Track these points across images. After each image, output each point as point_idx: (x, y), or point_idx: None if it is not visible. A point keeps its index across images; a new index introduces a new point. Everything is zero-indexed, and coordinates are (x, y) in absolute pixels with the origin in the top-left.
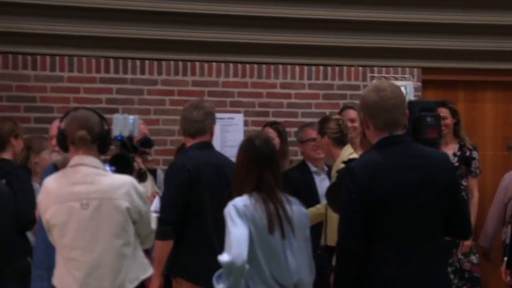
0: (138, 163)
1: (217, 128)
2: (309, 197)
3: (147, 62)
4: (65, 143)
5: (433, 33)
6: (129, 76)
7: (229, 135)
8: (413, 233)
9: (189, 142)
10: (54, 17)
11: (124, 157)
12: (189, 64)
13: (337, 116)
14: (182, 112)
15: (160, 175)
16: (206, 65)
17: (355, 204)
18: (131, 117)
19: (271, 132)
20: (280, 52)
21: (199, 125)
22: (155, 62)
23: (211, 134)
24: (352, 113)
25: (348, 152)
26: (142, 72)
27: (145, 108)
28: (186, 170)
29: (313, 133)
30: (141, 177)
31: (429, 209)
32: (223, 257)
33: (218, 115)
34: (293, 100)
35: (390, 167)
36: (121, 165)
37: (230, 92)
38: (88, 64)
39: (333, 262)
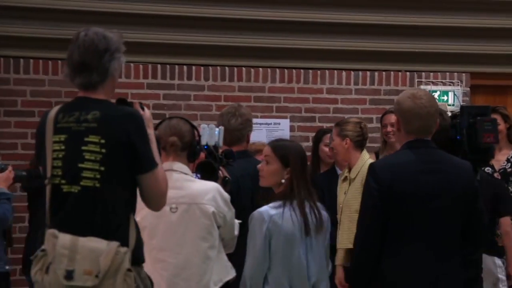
0: (223, 171)
1: (263, 133)
2: (333, 200)
3: (194, 67)
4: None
5: (482, 38)
6: (176, 81)
7: None
8: (427, 235)
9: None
10: (103, 24)
11: (210, 164)
12: (235, 69)
13: (357, 119)
14: (219, 119)
15: None
16: (252, 70)
17: (375, 200)
18: (217, 128)
19: (327, 138)
20: (326, 57)
21: (237, 134)
22: (202, 68)
23: (247, 142)
24: (393, 118)
25: (367, 157)
26: (189, 78)
27: (192, 114)
28: None
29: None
30: (225, 185)
31: (444, 213)
32: (245, 271)
33: (264, 120)
34: (339, 105)
35: (412, 169)
36: (207, 172)
37: (276, 98)
38: (135, 70)
39: (336, 261)
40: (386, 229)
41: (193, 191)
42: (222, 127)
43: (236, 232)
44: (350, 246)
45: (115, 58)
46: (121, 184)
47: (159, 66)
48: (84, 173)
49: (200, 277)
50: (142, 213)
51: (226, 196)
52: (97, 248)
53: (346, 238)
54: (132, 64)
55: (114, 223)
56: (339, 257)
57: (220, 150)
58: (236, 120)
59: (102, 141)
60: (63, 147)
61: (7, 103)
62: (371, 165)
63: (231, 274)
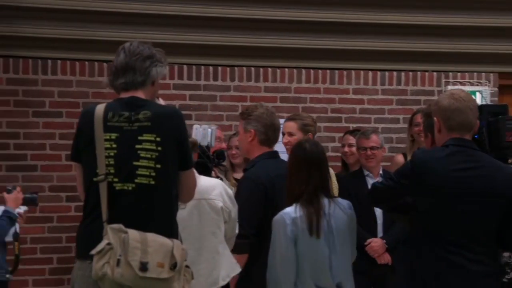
0: (215, 171)
1: None
2: (359, 201)
3: (220, 68)
4: None
5: (510, 38)
6: (202, 82)
7: None
8: (458, 233)
9: (258, 151)
10: (130, 24)
11: (204, 164)
12: (261, 70)
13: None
14: (261, 118)
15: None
16: (278, 71)
17: (403, 178)
18: (210, 128)
19: (352, 139)
20: (353, 57)
21: (277, 134)
22: (228, 69)
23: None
24: (419, 118)
25: None
26: (215, 78)
27: (218, 114)
28: (261, 183)
29: (367, 142)
30: None
31: (476, 215)
32: (274, 276)
33: None
34: (366, 106)
35: (449, 164)
36: (201, 172)
37: (302, 98)
38: (170, 71)
39: None
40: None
41: (200, 186)
42: (215, 128)
43: (237, 230)
44: None
45: (157, 65)
46: (173, 181)
47: (185, 66)
48: (139, 171)
49: (210, 272)
50: None
51: (230, 192)
52: (165, 242)
53: None
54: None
55: (167, 219)
56: None
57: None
58: (277, 120)
59: (158, 139)
60: (114, 146)
61: (35, 104)
62: (414, 152)
63: (237, 270)
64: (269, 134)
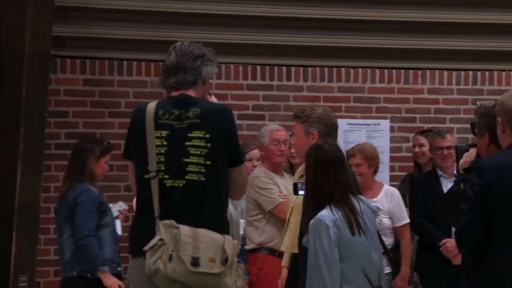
0: None
1: (362, 134)
2: (433, 201)
3: (293, 68)
4: None
5: None
6: (275, 82)
7: (375, 141)
8: None
9: None
10: (204, 25)
11: None
12: (335, 70)
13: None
14: (322, 119)
15: None
16: (352, 71)
17: (478, 196)
18: None
19: (423, 140)
20: (427, 57)
21: (337, 134)
22: (301, 69)
23: None
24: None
25: None
26: (288, 79)
27: (291, 115)
28: None
29: (442, 142)
30: None
31: None
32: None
33: (363, 121)
34: (440, 106)
35: None
36: None
37: (376, 98)
38: (235, 71)
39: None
40: (488, 227)
41: None
42: None
43: (242, 231)
44: (295, 251)
45: (208, 64)
46: (223, 177)
47: (258, 67)
48: (189, 167)
49: None
50: None
51: None
52: (216, 238)
53: (291, 241)
54: (232, 66)
55: (217, 215)
56: (285, 259)
57: None
58: (336, 119)
59: (207, 135)
60: (165, 143)
61: (111, 104)
62: (476, 162)
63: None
64: (332, 134)
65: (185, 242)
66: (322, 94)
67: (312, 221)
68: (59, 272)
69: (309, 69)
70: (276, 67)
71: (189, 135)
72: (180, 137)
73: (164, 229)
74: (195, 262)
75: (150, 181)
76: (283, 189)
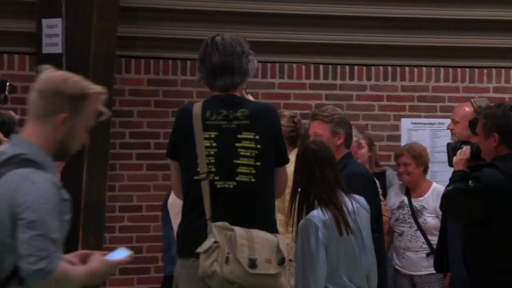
0: None
1: (426, 134)
2: None
3: (356, 67)
4: None
5: None
6: (338, 81)
7: (439, 140)
8: None
9: (341, 153)
10: (269, 25)
11: None
12: (398, 69)
13: (291, 113)
14: (346, 120)
15: (391, 175)
16: (416, 69)
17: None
18: None
19: None
20: (493, 55)
21: None
22: (365, 68)
23: None
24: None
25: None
26: (351, 78)
27: (354, 114)
28: (372, 178)
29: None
30: None
31: None
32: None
33: (428, 120)
34: None
35: None
36: None
37: (440, 97)
38: (298, 70)
39: None
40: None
41: None
42: None
43: None
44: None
45: (250, 60)
46: (271, 178)
47: (321, 66)
48: (240, 168)
49: None
50: None
51: None
52: (270, 238)
53: None
54: (294, 65)
55: (268, 216)
56: None
57: None
58: None
59: (257, 137)
60: (214, 144)
61: (174, 104)
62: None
63: None
64: (351, 135)
65: (241, 244)
66: (386, 93)
67: (301, 222)
68: (123, 270)
69: (373, 68)
70: (339, 66)
71: (239, 136)
72: (230, 138)
73: (217, 231)
74: (253, 263)
75: (199, 182)
76: None
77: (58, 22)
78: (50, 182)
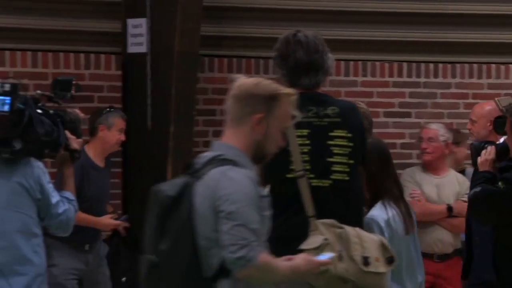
0: None
1: None
2: None
3: (440, 65)
4: None
5: None
6: (422, 79)
7: None
8: None
9: None
10: (347, 23)
11: None
12: (484, 66)
13: None
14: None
15: (470, 173)
16: (502, 67)
17: None
18: None
19: None
20: None
21: None
22: (449, 65)
23: None
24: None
25: None
26: (436, 76)
27: (438, 112)
28: None
29: None
30: None
31: None
32: None
33: None
34: None
35: None
36: None
37: None
38: (381, 68)
39: None
40: None
41: None
42: None
43: None
44: None
45: (330, 58)
46: (360, 175)
47: (405, 64)
48: (334, 167)
49: None
50: None
51: None
52: (374, 237)
53: None
54: (377, 63)
55: (359, 214)
56: None
57: None
58: None
59: (349, 135)
60: (307, 142)
61: None
62: None
63: None
64: (371, 131)
65: (354, 242)
66: (471, 91)
67: (366, 219)
68: None
69: (457, 65)
70: (423, 64)
71: (331, 134)
72: (322, 136)
73: (325, 228)
74: (366, 261)
75: (293, 180)
76: (431, 189)
77: (143, 22)
78: (247, 177)
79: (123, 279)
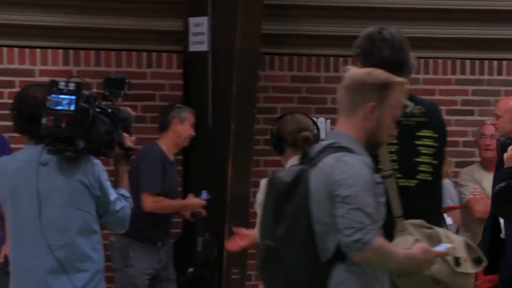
0: None
1: None
2: None
3: (505, 62)
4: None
5: None
6: (485, 77)
7: None
8: None
9: None
10: (410, 20)
11: None
12: None
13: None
14: None
15: None
16: None
17: None
18: (325, 121)
19: None
20: None
21: None
22: None
23: None
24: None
25: None
26: (499, 73)
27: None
28: None
29: None
30: None
31: None
32: None
33: None
34: None
35: None
36: None
37: None
38: (443, 66)
39: None
40: None
41: None
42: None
43: None
44: None
45: (412, 56)
46: (441, 176)
47: (467, 61)
48: (421, 167)
49: None
50: None
51: None
52: (458, 238)
53: None
54: (439, 60)
55: (441, 215)
56: None
57: None
58: None
59: (435, 135)
60: (394, 141)
61: (318, 100)
62: None
63: None
64: None
65: (444, 242)
66: None
67: None
68: None
69: None
70: (486, 61)
71: (418, 133)
72: (409, 136)
73: (413, 229)
74: (457, 262)
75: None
76: (490, 186)
77: (204, 20)
78: (363, 163)
79: (190, 269)
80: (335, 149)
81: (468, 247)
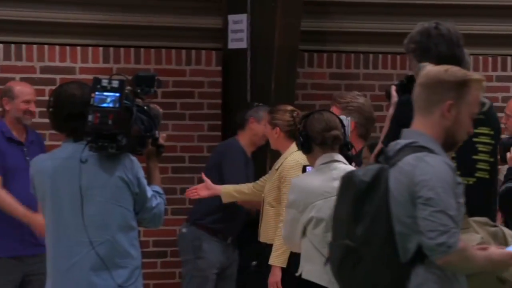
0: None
1: None
2: None
3: None
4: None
5: None
6: None
7: None
8: None
9: None
10: (448, 17)
11: (347, 156)
12: None
13: (291, 108)
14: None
15: None
16: None
17: None
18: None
19: None
20: None
21: None
22: None
23: None
24: None
25: (295, 149)
26: None
27: None
28: None
29: None
30: None
31: None
32: None
33: None
34: None
35: None
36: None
37: None
38: (484, 63)
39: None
40: None
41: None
42: (349, 118)
43: None
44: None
45: (466, 53)
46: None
47: (509, 58)
48: (478, 164)
49: None
50: (317, 207)
51: None
52: None
53: (266, 232)
54: (480, 57)
55: (496, 213)
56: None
57: None
58: None
59: (491, 132)
60: None
61: None
62: None
63: None
64: (369, 128)
65: (511, 241)
66: None
67: None
68: None
69: None
70: None
71: (476, 131)
72: None
73: (478, 227)
74: None
75: None
76: None
77: (243, 17)
78: (445, 163)
79: (254, 263)
80: (414, 149)
81: None
